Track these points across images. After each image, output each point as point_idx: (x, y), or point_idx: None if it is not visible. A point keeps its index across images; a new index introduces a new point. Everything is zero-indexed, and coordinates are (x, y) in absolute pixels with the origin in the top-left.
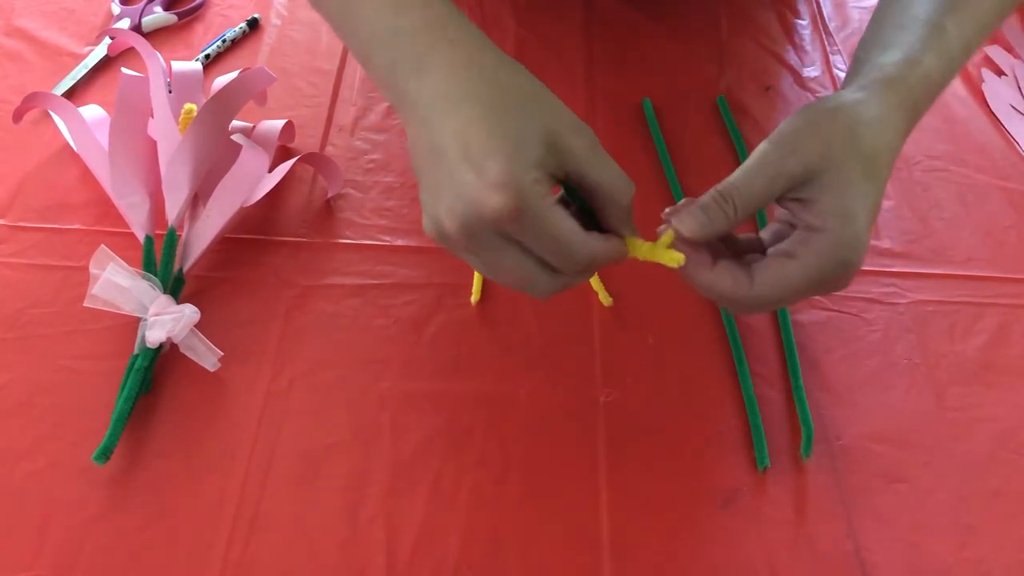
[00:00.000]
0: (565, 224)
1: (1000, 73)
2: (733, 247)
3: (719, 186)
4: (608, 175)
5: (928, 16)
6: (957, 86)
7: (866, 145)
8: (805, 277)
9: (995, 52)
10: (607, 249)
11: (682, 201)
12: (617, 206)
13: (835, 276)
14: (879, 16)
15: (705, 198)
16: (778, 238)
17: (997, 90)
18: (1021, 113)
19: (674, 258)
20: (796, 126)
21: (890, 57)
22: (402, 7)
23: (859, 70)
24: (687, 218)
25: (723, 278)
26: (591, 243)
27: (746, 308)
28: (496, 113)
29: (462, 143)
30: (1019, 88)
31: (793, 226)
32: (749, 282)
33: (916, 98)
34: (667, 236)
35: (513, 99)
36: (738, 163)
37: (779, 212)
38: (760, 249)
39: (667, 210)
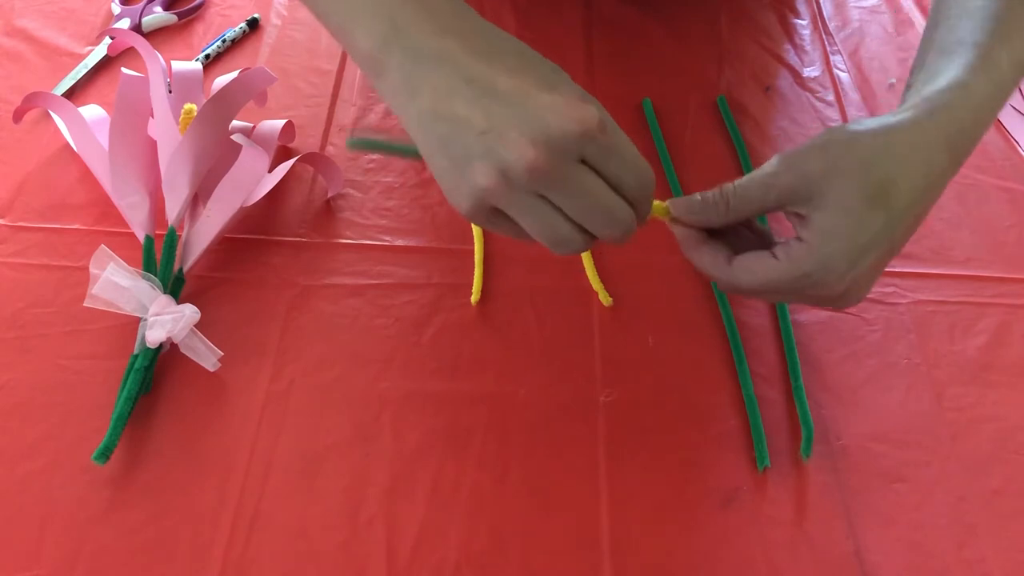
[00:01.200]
0: (632, 144)
1: None
2: (757, 235)
3: (722, 184)
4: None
5: (975, 39)
6: None
7: (878, 173)
8: (775, 277)
9: None
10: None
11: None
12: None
13: (805, 286)
14: (925, 42)
15: (708, 191)
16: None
17: None
18: (1021, 113)
19: (660, 207)
20: (809, 144)
21: (934, 84)
22: None
23: (904, 97)
24: (682, 201)
25: (704, 256)
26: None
27: (727, 288)
28: (533, 57)
29: (518, 78)
30: (1019, 89)
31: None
32: (728, 267)
33: (962, 126)
34: (659, 204)
35: (533, 53)
36: (738, 163)
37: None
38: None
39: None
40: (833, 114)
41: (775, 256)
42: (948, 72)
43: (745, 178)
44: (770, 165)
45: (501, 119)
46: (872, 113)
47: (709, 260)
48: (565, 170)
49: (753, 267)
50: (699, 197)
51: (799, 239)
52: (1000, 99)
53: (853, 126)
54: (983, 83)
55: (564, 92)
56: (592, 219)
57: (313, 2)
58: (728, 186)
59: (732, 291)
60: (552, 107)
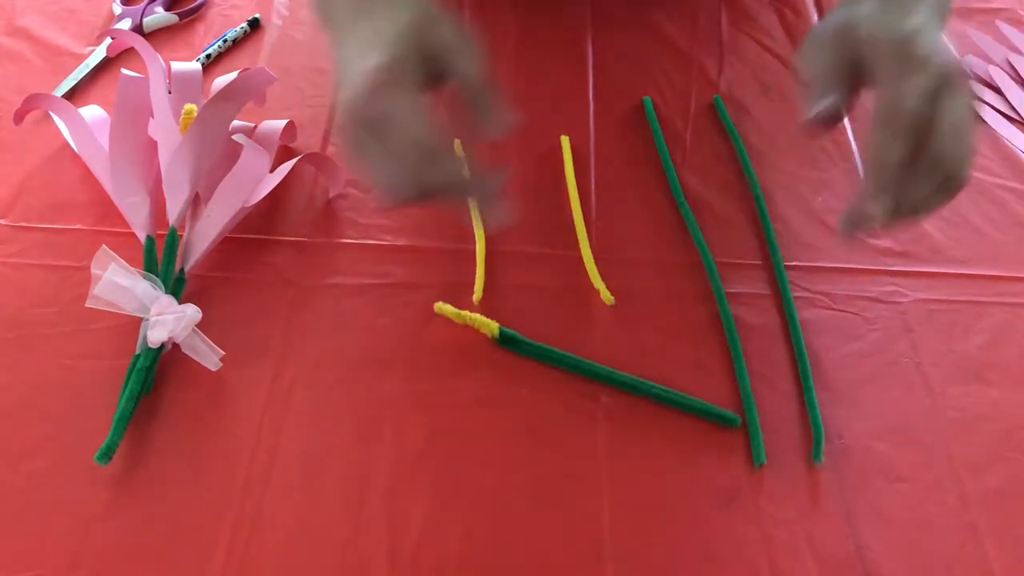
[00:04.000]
0: (408, 107)
1: (984, 82)
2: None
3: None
4: (462, 55)
5: None
6: None
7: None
8: (910, 106)
9: (973, 63)
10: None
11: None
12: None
13: (913, 80)
14: None
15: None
16: None
17: (986, 110)
18: (1008, 118)
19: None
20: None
21: None
22: None
23: None
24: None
25: (856, 209)
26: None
27: (898, 200)
28: (366, 10)
29: (352, 41)
30: (1003, 95)
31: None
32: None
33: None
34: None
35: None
36: (737, 163)
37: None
38: None
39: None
40: None
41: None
42: None
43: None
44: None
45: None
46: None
47: (874, 143)
48: (361, 129)
49: (873, 144)
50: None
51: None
52: None
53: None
54: None
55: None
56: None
57: None
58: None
59: (905, 134)
60: (352, 79)
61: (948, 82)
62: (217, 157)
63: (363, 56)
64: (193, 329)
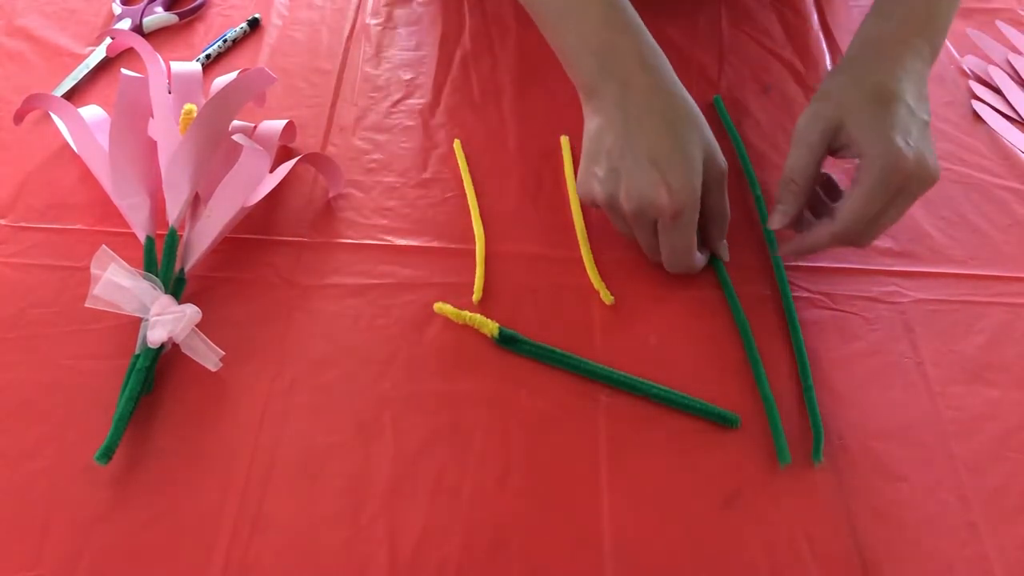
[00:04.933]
0: (694, 233)
1: (983, 82)
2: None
3: (782, 174)
4: (721, 203)
5: None
6: (955, 89)
7: (870, 84)
8: (866, 192)
9: (973, 63)
10: (701, 262)
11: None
12: (717, 230)
13: (893, 181)
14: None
15: (778, 191)
16: None
17: (986, 110)
18: (1008, 118)
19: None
20: (815, 97)
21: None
22: (614, 27)
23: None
24: (774, 218)
25: (816, 233)
26: (697, 255)
27: (851, 239)
28: (676, 129)
29: (651, 149)
30: (1003, 95)
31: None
32: (833, 223)
33: (920, 21)
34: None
35: (686, 118)
36: (737, 163)
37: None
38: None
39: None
40: None
41: (856, 183)
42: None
43: (791, 156)
44: (798, 131)
45: (625, 168)
46: None
47: (821, 232)
48: (642, 221)
49: (850, 204)
50: (777, 206)
51: (857, 158)
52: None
53: (831, 78)
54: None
55: (668, 171)
56: (644, 248)
57: (541, 24)
58: (785, 172)
59: (856, 239)
60: (653, 186)
61: (911, 191)
62: (217, 157)
63: (686, 165)
64: (193, 329)
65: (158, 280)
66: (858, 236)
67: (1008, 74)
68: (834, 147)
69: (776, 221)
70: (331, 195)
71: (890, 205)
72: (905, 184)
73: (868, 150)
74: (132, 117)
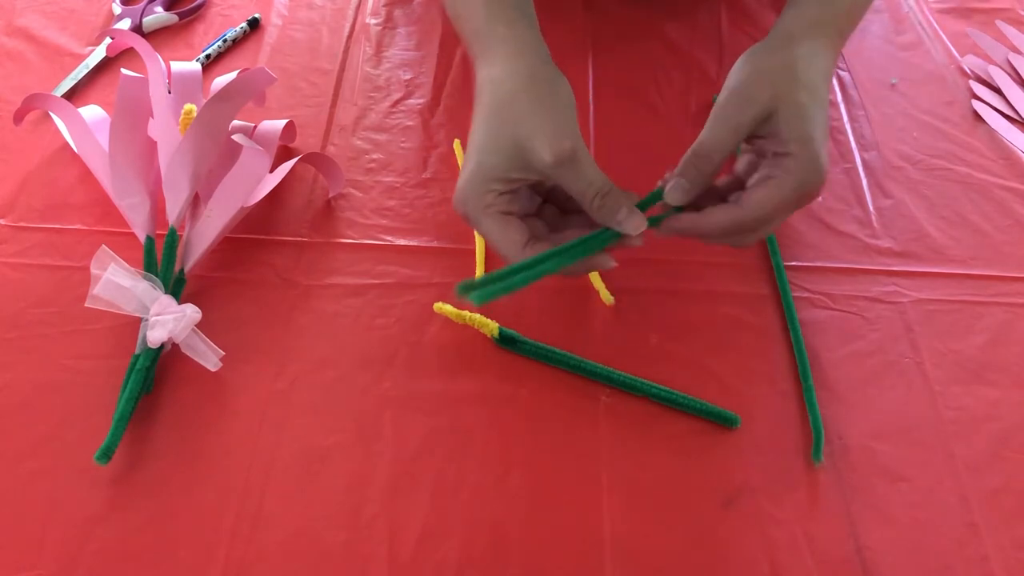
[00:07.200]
0: (497, 234)
1: (983, 82)
2: (718, 194)
3: (692, 148)
4: (576, 185)
5: None
6: (955, 89)
7: (806, 78)
8: (784, 193)
9: (973, 63)
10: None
11: (669, 174)
12: (588, 208)
13: (807, 190)
14: None
15: (682, 163)
16: (751, 169)
17: (986, 110)
18: (1008, 118)
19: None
20: (744, 77)
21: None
22: (495, 18)
23: (782, 19)
24: (673, 192)
25: (717, 215)
26: (517, 253)
27: (746, 234)
28: (485, 121)
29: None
30: (1003, 95)
31: (761, 155)
32: (740, 209)
33: (840, 28)
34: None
35: (502, 109)
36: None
37: (745, 147)
38: (740, 187)
39: (661, 183)
40: (834, 113)
41: (771, 177)
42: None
43: (709, 131)
44: (723, 108)
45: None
46: (874, 113)
47: (724, 215)
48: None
49: (761, 195)
50: (679, 179)
51: (777, 154)
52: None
53: (766, 49)
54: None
55: (460, 183)
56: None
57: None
58: (699, 147)
59: (749, 237)
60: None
61: (809, 201)
62: (217, 157)
63: (471, 165)
64: (193, 329)
65: (158, 280)
66: (752, 232)
67: (1008, 74)
68: (754, 132)
69: (677, 197)
70: (331, 195)
71: (795, 209)
72: (813, 194)
73: (796, 151)
74: (132, 117)
